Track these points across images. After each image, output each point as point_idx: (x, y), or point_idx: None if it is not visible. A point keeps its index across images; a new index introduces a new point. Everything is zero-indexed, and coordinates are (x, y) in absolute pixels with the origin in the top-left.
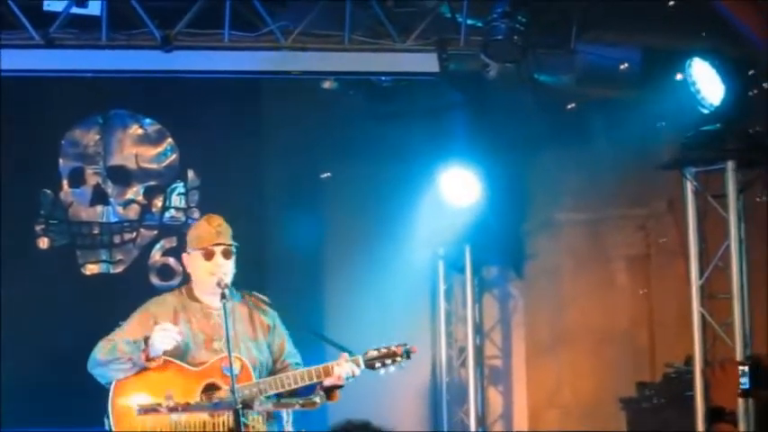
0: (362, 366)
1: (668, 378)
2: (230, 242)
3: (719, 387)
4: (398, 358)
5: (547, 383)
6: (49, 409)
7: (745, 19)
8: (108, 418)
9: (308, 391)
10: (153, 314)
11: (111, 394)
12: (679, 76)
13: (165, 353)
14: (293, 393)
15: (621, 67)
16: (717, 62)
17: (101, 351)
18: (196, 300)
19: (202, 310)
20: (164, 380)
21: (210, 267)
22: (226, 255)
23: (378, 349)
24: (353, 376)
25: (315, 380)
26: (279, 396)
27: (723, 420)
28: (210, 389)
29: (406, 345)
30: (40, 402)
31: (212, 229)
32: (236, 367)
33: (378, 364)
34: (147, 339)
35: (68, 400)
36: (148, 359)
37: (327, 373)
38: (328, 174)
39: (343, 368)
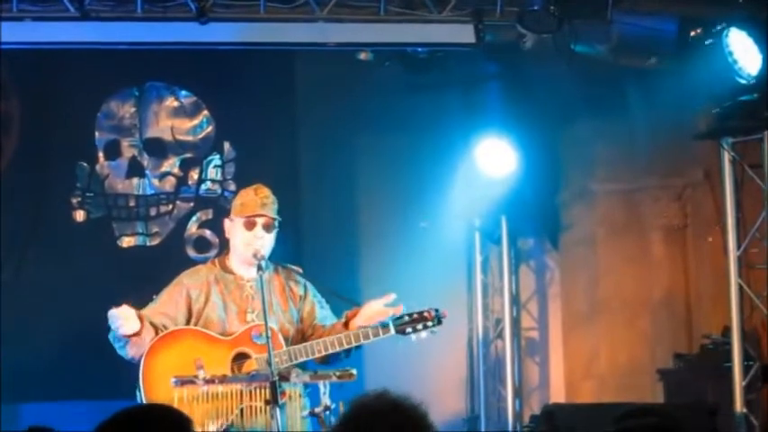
0: (393, 332)
1: (705, 349)
2: (273, 215)
3: None
4: (429, 323)
5: (583, 354)
6: (86, 381)
7: None
8: (139, 390)
9: (337, 362)
10: (186, 286)
11: (141, 366)
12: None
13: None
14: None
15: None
16: (754, 31)
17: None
18: (230, 271)
19: (235, 282)
20: (193, 349)
21: (249, 238)
22: (267, 227)
23: (409, 314)
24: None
25: (345, 346)
26: (315, 368)
27: None
28: (240, 357)
29: (437, 309)
30: (78, 374)
31: (258, 200)
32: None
33: (408, 329)
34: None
35: (104, 372)
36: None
37: (358, 339)
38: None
39: (371, 333)
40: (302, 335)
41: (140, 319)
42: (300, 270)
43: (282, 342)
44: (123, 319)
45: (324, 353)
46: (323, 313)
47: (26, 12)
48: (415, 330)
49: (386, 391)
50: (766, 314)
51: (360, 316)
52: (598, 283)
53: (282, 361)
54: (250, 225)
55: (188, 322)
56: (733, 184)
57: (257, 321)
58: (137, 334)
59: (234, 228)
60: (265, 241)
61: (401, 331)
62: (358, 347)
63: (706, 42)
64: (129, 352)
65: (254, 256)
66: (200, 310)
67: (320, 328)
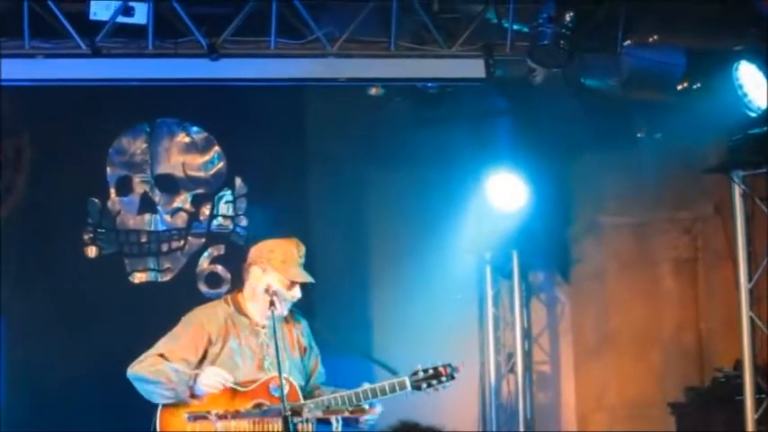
0: (409, 388)
1: (717, 382)
2: (312, 280)
3: None
4: (443, 378)
5: (594, 387)
6: (96, 415)
7: None
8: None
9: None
10: (207, 331)
11: (158, 410)
12: None
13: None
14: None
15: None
16: (764, 65)
17: (147, 368)
18: (244, 313)
19: (250, 327)
20: (212, 399)
21: (286, 296)
22: (302, 288)
23: (425, 370)
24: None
25: (362, 401)
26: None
27: None
28: (258, 407)
29: (451, 365)
30: (89, 409)
31: (300, 260)
32: (286, 388)
33: (424, 385)
34: (196, 376)
35: (115, 407)
36: (193, 396)
37: (365, 412)
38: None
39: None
40: (305, 388)
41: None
42: (303, 320)
43: (300, 395)
44: (218, 377)
45: (333, 408)
46: (321, 369)
47: (38, 49)
48: (429, 386)
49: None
50: None
51: None
52: (609, 316)
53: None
54: (292, 286)
55: (200, 363)
56: (744, 216)
57: (273, 370)
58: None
59: (269, 278)
60: (296, 297)
61: (417, 387)
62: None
63: (715, 76)
64: (164, 397)
65: (266, 291)
66: (215, 354)
67: (317, 388)
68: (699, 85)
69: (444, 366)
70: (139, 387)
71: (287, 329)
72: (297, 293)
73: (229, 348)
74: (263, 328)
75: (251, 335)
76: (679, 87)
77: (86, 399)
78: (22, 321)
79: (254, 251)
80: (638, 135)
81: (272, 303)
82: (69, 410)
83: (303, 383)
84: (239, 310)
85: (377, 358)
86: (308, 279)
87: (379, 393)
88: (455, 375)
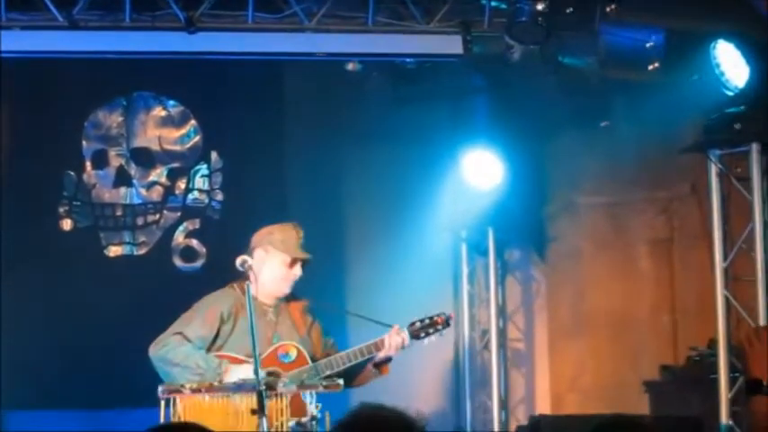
0: (407, 337)
1: (692, 361)
2: (310, 257)
3: (757, 359)
4: (439, 326)
5: (569, 367)
6: (73, 390)
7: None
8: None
9: (357, 368)
10: (219, 310)
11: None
12: None
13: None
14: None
15: (647, 45)
16: (742, 44)
17: (173, 351)
18: (252, 297)
19: (259, 307)
20: None
21: (288, 274)
22: (303, 267)
23: (421, 320)
24: (404, 346)
25: (366, 355)
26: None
27: (761, 393)
28: (271, 376)
29: (445, 313)
30: (65, 383)
31: (300, 240)
32: (293, 354)
33: (422, 334)
34: (226, 370)
35: (91, 381)
36: (220, 383)
37: (378, 347)
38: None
39: (394, 339)
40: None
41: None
42: (306, 300)
43: (309, 360)
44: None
45: (348, 364)
46: (326, 340)
47: (14, 21)
48: (427, 334)
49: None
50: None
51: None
52: (584, 295)
53: (309, 376)
54: (293, 264)
55: (213, 342)
56: (720, 196)
57: (283, 341)
58: None
59: (272, 260)
60: (298, 277)
61: (416, 336)
62: (387, 361)
63: (693, 55)
64: (189, 380)
65: (241, 266)
66: (228, 332)
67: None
68: (673, 65)
69: (439, 315)
70: (162, 368)
71: (291, 307)
72: (298, 271)
73: (240, 328)
74: (270, 307)
75: (259, 314)
76: (650, 68)
77: (64, 372)
78: None
79: (256, 236)
80: (602, 125)
81: (246, 278)
82: (46, 385)
83: (311, 355)
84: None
85: (365, 315)
86: (307, 256)
87: (381, 345)
88: (449, 322)
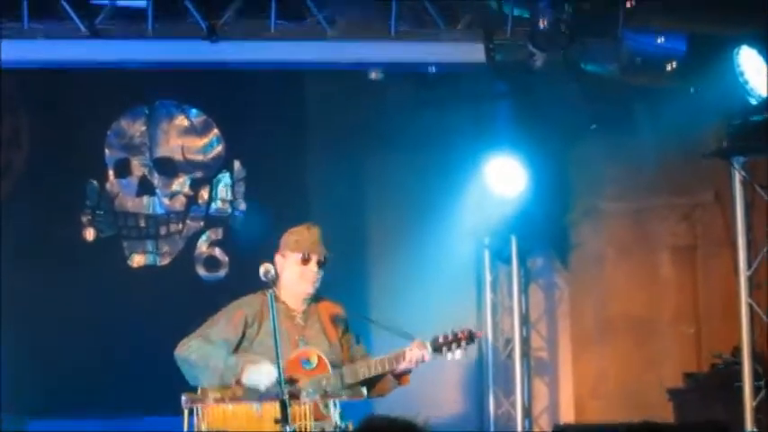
0: (430, 350)
1: (716, 369)
2: (327, 253)
3: None
4: (463, 342)
5: (592, 374)
6: (96, 399)
7: None
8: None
9: (377, 378)
10: (244, 313)
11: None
12: None
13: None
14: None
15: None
16: (765, 51)
17: (195, 352)
18: (281, 301)
19: (286, 312)
20: None
21: (304, 272)
22: (319, 264)
23: (445, 335)
24: (424, 361)
25: (387, 368)
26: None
27: None
28: (291, 383)
29: (471, 330)
30: (89, 391)
31: (312, 237)
32: (314, 360)
33: (445, 348)
34: (243, 370)
35: (115, 390)
36: (238, 383)
37: (399, 360)
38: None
39: (414, 353)
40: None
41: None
42: (341, 304)
43: (329, 367)
44: (268, 379)
45: (368, 375)
46: (357, 348)
47: (37, 30)
48: (450, 350)
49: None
50: None
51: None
52: (607, 302)
53: (329, 384)
54: (306, 261)
55: (239, 345)
56: (743, 203)
57: (306, 347)
58: None
59: (288, 262)
60: (318, 276)
61: (438, 350)
62: (407, 372)
63: (716, 61)
64: (209, 383)
65: (265, 276)
66: (253, 335)
67: (359, 358)
68: (696, 71)
69: (462, 331)
70: (184, 369)
71: (322, 313)
72: (314, 268)
73: (265, 330)
74: (298, 312)
75: (286, 318)
76: (668, 68)
77: (87, 381)
78: (19, 303)
79: (279, 244)
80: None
81: (268, 287)
82: (70, 393)
83: (339, 362)
84: (276, 298)
85: (390, 327)
86: (319, 251)
87: (402, 359)
88: (474, 338)
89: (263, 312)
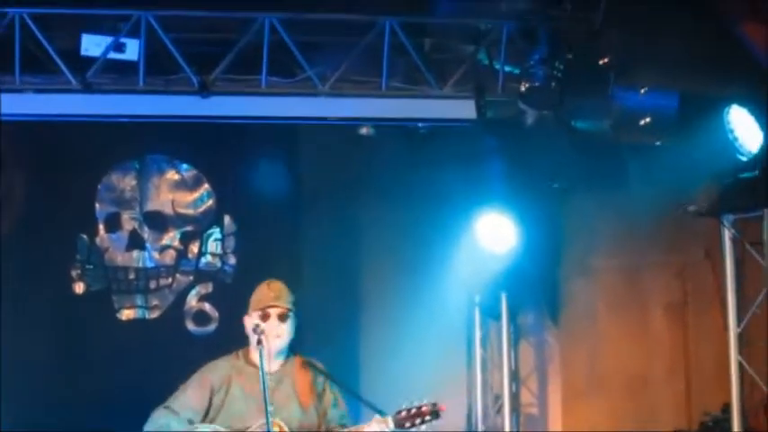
0: (392, 426)
1: (705, 426)
2: (287, 306)
3: None
4: (427, 417)
5: (583, 430)
6: None
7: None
8: None
9: None
10: (209, 380)
11: None
12: None
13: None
14: None
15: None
16: (755, 109)
17: (155, 422)
18: (252, 364)
19: (256, 375)
20: None
21: (267, 330)
22: (281, 317)
23: (408, 409)
24: None
25: None
26: None
27: None
28: None
29: (435, 404)
30: None
31: (271, 293)
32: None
33: (407, 424)
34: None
35: None
36: None
37: None
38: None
39: (373, 429)
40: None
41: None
42: (320, 365)
43: None
44: None
45: None
46: (333, 412)
47: (28, 84)
48: (413, 425)
49: None
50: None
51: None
52: (598, 358)
53: None
54: (265, 317)
55: (207, 414)
56: (734, 261)
57: (275, 414)
58: None
59: (250, 322)
60: (281, 331)
61: (400, 425)
62: None
63: (706, 119)
64: None
65: (254, 330)
66: (220, 402)
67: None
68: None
69: (426, 405)
70: None
71: (300, 375)
72: (274, 323)
73: (233, 396)
74: (270, 374)
75: (257, 382)
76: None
77: None
78: (10, 357)
79: None
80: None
81: (259, 342)
82: None
83: (312, 427)
84: (248, 361)
85: (363, 397)
86: (275, 303)
87: None
88: (439, 414)
89: (231, 377)
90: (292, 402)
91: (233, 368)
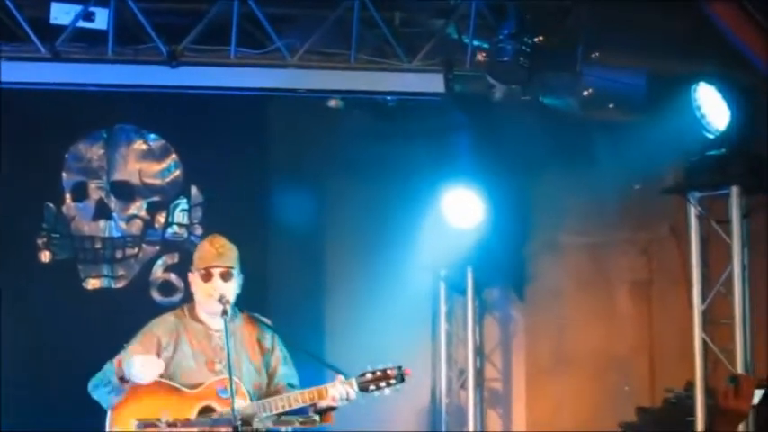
0: (356, 389)
1: (668, 403)
2: (230, 264)
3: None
4: (392, 380)
5: (547, 407)
6: (48, 426)
7: (745, 38)
8: None
9: (302, 412)
10: (156, 334)
11: (108, 417)
12: None
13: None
14: (292, 412)
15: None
16: (723, 87)
17: (96, 378)
18: (198, 320)
19: (204, 331)
20: (159, 402)
21: (208, 289)
22: (224, 277)
23: (373, 372)
24: (348, 399)
25: (308, 402)
26: (278, 414)
27: None
28: (206, 411)
29: (400, 367)
30: (42, 417)
31: (213, 251)
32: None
33: (372, 387)
34: (123, 359)
35: (68, 416)
36: (122, 380)
37: (321, 395)
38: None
39: (337, 390)
40: (267, 389)
41: None
42: (269, 322)
43: (247, 395)
44: (149, 368)
45: (286, 408)
46: (284, 370)
47: None
48: (378, 388)
49: None
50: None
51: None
52: (563, 335)
53: (246, 416)
54: (207, 277)
55: None
56: (699, 238)
57: (225, 372)
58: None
59: (194, 280)
60: (225, 290)
61: (364, 389)
62: (330, 410)
63: (674, 97)
64: (114, 400)
65: (220, 300)
66: (168, 358)
67: (283, 389)
68: (654, 106)
69: (391, 368)
70: (97, 398)
71: (246, 332)
72: (218, 283)
73: (182, 352)
74: (218, 332)
75: (205, 339)
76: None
77: (41, 403)
78: None
79: None
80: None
81: (224, 312)
82: (19, 416)
83: (263, 386)
84: (193, 317)
85: (326, 360)
86: (221, 263)
87: (325, 393)
88: (404, 378)
89: (177, 333)
90: (242, 359)
91: (180, 323)
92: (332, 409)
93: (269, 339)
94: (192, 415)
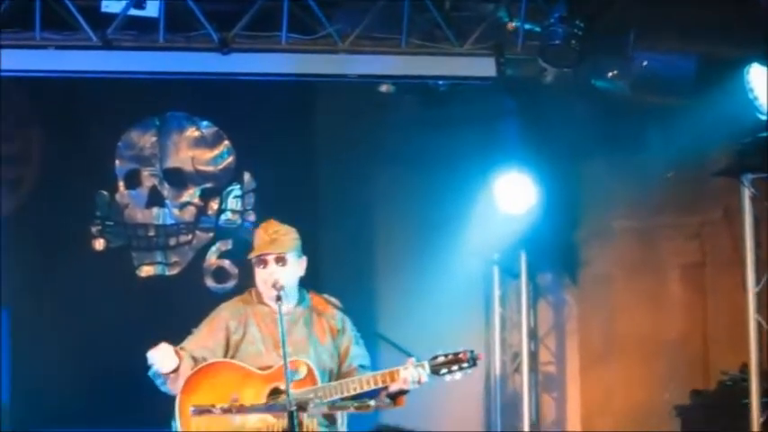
0: (428, 371)
1: (723, 386)
2: (282, 250)
3: None
4: (464, 365)
5: (600, 390)
6: (105, 411)
7: None
8: (175, 420)
9: (373, 394)
10: (225, 318)
11: (177, 399)
12: None
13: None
14: (358, 396)
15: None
16: None
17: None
18: (265, 304)
19: (271, 315)
20: (231, 384)
21: (264, 275)
22: (279, 262)
23: (445, 355)
24: (420, 382)
25: (380, 385)
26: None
27: None
28: (276, 393)
29: (472, 351)
30: (96, 404)
31: (267, 237)
32: (302, 371)
33: (443, 370)
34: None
35: (125, 401)
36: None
37: (393, 378)
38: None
39: (409, 373)
40: (339, 371)
41: (178, 354)
42: (338, 302)
43: (318, 378)
44: (161, 357)
45: (358, 391)
46: (356, 351)
47: (48, 40)
48: (450, 372)
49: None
50: None
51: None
52: (615, 319)
53: (315, 397)
54: (263, 263)
55: (225, 354)
56: (753, 221)
57: (293, 355)
58: (175, 371)
59: (254, 268)
60: (281, 275)
61: (436, 372)
62: (403, 393)
63: (726, 80)
64: (171, 388)
65: (274, 286)
66: (237, 342)
67: (355, 371)
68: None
69: (464, 352)
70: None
71: (314, 314)
72: (273, 269)
73: (251, 335)
74: (285, 315)
75: (271, 322)
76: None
77: (91, 393)
78: (28, 314)
79: None
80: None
81: (278, 299)
82: (74, 405)
83: (335, 367)
84: (261, 301)
85: (394, 341)
86: (273, 249)
87: (397, 376)
88: (476, 362)
89: (246, 316)
90: (310, 343)
91: (248, 307)
92: (404, 392)
93: (339, 320)
94: (263, 396)
